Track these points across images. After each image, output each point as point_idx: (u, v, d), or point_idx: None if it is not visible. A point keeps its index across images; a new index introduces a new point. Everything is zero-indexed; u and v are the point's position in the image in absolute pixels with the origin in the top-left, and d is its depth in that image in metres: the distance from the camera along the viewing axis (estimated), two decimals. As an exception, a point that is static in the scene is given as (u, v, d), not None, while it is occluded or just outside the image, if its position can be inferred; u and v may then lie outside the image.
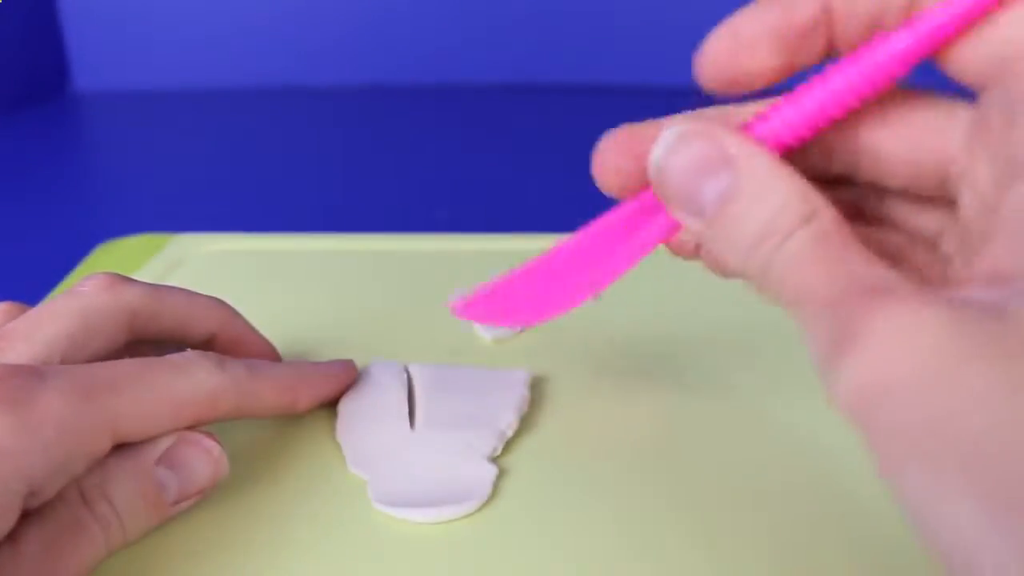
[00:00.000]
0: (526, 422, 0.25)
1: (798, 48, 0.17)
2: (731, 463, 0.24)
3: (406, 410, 0.25)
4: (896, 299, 0.13)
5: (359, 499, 0.22)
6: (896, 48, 0.15)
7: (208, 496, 0.21)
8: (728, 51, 0.17)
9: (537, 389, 0.27)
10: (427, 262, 0.38)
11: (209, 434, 0.21)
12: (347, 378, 0.26)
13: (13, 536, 0.17)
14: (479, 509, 0.22)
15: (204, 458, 0.21)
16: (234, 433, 0.24)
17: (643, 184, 0.18)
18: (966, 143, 0.15)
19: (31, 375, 0.18)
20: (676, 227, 0.18)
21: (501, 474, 0.23)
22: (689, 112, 0.18)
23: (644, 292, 0.34)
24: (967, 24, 0.15)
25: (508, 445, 0.24)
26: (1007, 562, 0.11)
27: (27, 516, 0.18)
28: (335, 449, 0.24)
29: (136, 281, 0.24)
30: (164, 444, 0.20)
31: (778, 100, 0.17)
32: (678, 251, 0.20)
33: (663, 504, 0.22)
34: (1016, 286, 0.13)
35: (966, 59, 0.15)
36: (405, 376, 0.27)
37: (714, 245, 0.16)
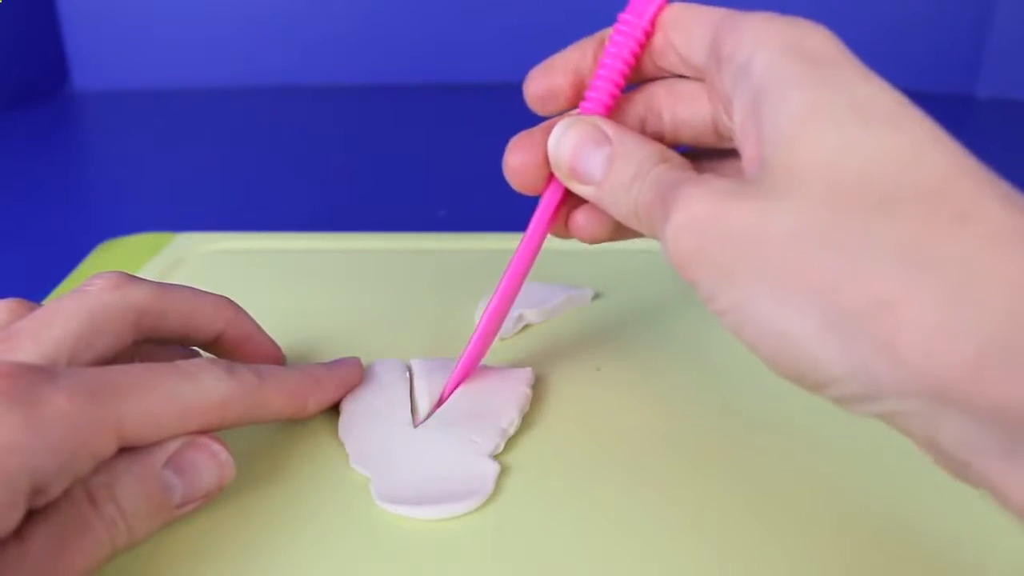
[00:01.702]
0: (528, 420, 0.26)
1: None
2: (732, 461, 0.24)
3: (408, 408, 0.25)
4: (697, 179, 0.19)
5: (362, 497, 0.22)
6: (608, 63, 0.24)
7: (213, 498, 0.21)
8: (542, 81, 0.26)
9: (539, 387, 0.27)
10: (427, 261, 0.38)
11: (217, 439, 0.21)
12: (355, 379, 0.26)
13: (19, 534, 0.17)
14: (481, 506, 0.22)
15: (211, 463, 0.21)
16: (236, 432, 0.25)
17: (544, 179, 0.25)
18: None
19: (40, 374, 0.18)
20: (559, 204, 0.25)
21: (503, 471, 0.23)
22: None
23: (645, 291, 0.34)
24: (642, 46, 0.24)
25: (510, 443, 0.24)
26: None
27: (33, 515, 0.18)
28: (338, 447, 0.24)
29: (143, 280, 0.24)
30: (172, 447, 0.20)
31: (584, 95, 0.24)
32: (556, 233, 0.26)
33: (664, 502, 0.22)
34: (753, 167, 0.19)
35: (672, 63, 0.23)
36: (407, 374, 0.27)
37: (605, 199, 0.22)
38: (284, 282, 0.36)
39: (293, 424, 0.25)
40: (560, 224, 0.26)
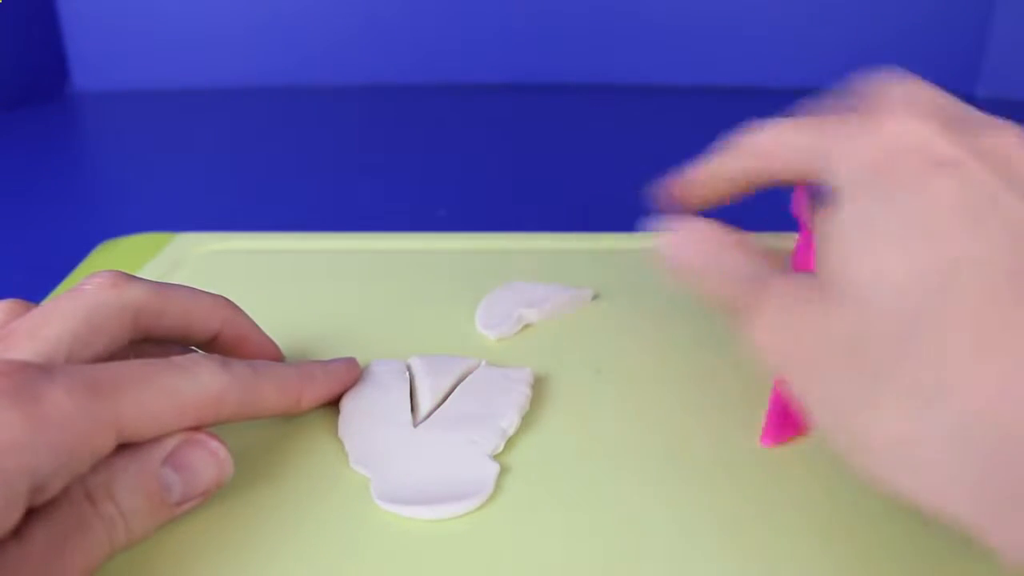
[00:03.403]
0: (528, 420, 0.26)
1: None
2: (733, 462, 0.24)
3: (408, 408, 0.25)
4: (768, 286, 0.20)
5: (361, 497, 0.22)
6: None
7: (212, 496, 0.21)
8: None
9: (539, 387, 0.27)
10: (427, 261, 0.38)
11: (215, 436, 0.21)
12: (350, 377, 0.26)
13: (19, 534, 0.17)
14: (481, 507, 0.22)
15: (209, 460, 0.21)
16: (236, 431, 0.25)
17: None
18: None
19: (38, 371, 0.18)
20: None
21: (503, 472, 0.23)
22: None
23: (645, 291, 0.34)
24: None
25: (510, 443, 0.24)
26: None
27: (32, 515, 0.18)
28: (337, 447, 0.24)
29: (140, 279, 0.24)
30: (170, 445, 0.20)
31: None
32: None
33: (664, 502, 0.22)
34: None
35: None
36: (407, 374, 0.27)
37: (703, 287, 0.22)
38: (284, 282, 0.36)
39: (293, 424, 0.25)
40: None
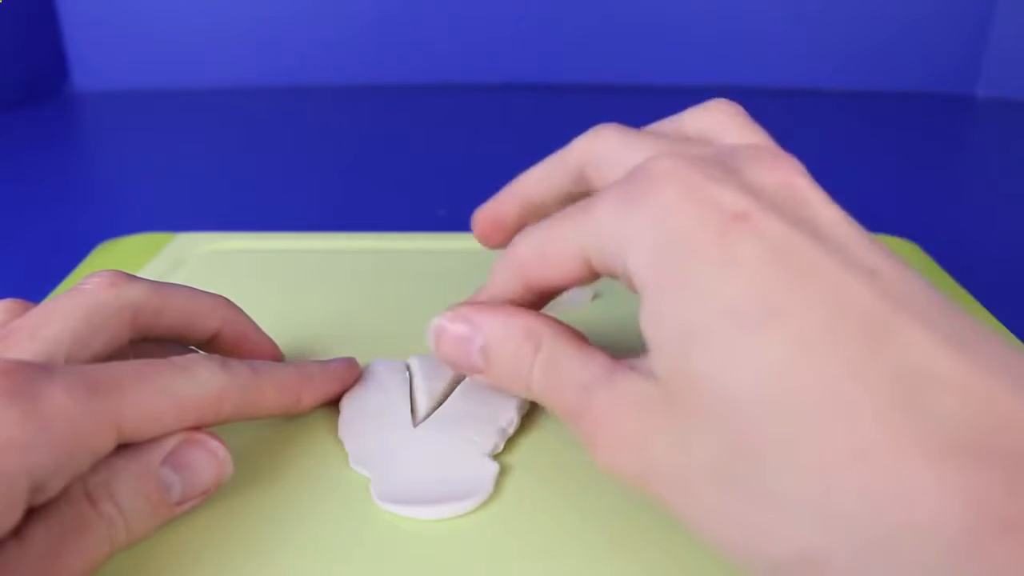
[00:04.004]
0: (528, 420, 0.26)
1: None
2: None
3: (408, 408, 0.25)
4: (597, 389, 0.19)
5: (361, 497, 0.22)
6: None
7: (211, 496, 0.21)
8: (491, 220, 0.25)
9: (538, 387, 0.27)
10: (427, 261, 0.38)
11: (214, 435, 0.21)
12: (350, 377, 0.26)
13: (19, 534, 0.17)
14: (481, 506, 0.22)
15: (209, 459, 0.21)
16: (236, 431, 0.25)
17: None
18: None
19: (37, 370, 0.18)
20: None
21: (502, 471, 0.23)
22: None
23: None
24: None
25: (510, 443, 0.24)
26: None
27: (31, 515, 0.18)
28: (338, 447, 0.24)
29: (139, 278, 0.24)
30: (169, 444, 0.20)
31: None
32: None
33: (664, 502, 0.22)
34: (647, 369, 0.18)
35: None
36: (407, 374, 0.27)
37: (500, 383, 0.21)
38: (284, 282, 0.36)
39: (292, 424, 0.25)
40: None
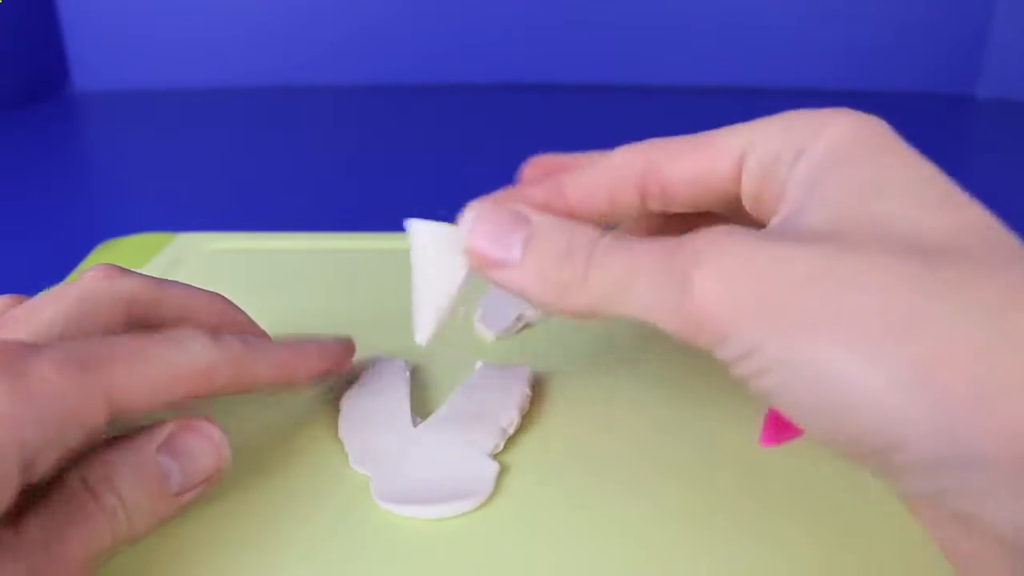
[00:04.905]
0: (528, 420, 0.26)
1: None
2: (733, 460, 0.24)
3: (408, 408, 0.25)
4: (712, 232, 0.17)
5: (362, 496, 0.22)
6: None
7: (213, 490, 0.21)
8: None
9: (538, 386, 0.27)
10: (428, 261, 0.38)
11: (209, 420, 0.21)
12: (345, 354, 0.26)
13: (16, 524, 0.17)
14: (481, 506, 0.22)
15: (205, 444, 0.21)
16: (235, 431, 0.25)
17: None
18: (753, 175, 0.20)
19: (26, 348, 0.18)
20: None
21: (502, 471, 0.23)
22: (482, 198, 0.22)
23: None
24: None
25: (510, 442, 0.24)
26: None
27: (29, 503, 0.18)
28: (338, 447, 0.24)
29: (136, 272, 0.24)
30: (164, 432, 0.20)
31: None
32: None
33: (664, 501, 0.22)
34: (785, 222, 0.18)
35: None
36: (407, 374, 0.27)
37: (527, 282, 0.19)
38: (284, 282, 0.36)
39: (293, 423, 0.25)
40: None
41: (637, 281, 0.18)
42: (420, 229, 0.23)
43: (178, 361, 0.20)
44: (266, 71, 0.95)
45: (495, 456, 0.24)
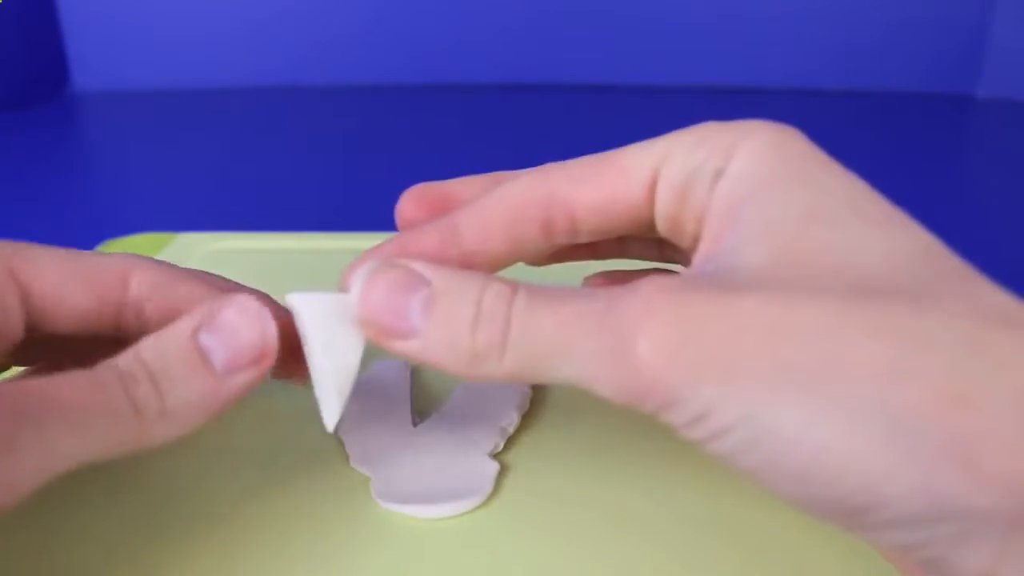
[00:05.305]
0: (528, 419, 0.26)
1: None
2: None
3: (408, 408, 0.25)
4: (648, 286, 0.16)
5: (362, 496, 0.22)
6: None
7: (211, 489, 0.21)
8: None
9: (539, 387, 0.27)
10: (428, 261, 0.38)
11: (248, 295, 0.19)
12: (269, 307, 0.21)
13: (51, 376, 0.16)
14: (481, 505, 0.22)
15: (245, 318, 0.18)
16: (235, 431, 0.25)
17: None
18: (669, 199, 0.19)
19: None
20: None
21: (502, 470, 0.23)
22: (368, 251, 0.21)
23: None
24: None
25: (510, 442, 0.24)
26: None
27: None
28: (338, 447, 0.24)
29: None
30: (196, 316, 0.18)
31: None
32: None
33: (665, 500, 0.22)
34: (717, 260, 0.17)
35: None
36: (407, 374, 0.27)
37: (433, 352, 0.17)
38: (284, 282, 0.36)
39: (293, 423, 0.25)
40: None
41: (568, 347, 0.16)
42: (304, 302, 0.20)
43: (92, 261, 0.20)
44: (266, 71, 0.95)
45: (495, 456, 0.24)
